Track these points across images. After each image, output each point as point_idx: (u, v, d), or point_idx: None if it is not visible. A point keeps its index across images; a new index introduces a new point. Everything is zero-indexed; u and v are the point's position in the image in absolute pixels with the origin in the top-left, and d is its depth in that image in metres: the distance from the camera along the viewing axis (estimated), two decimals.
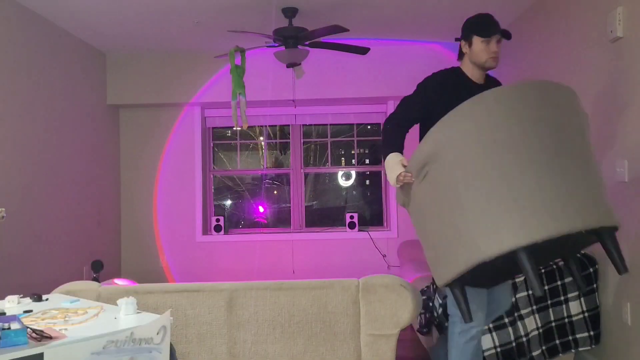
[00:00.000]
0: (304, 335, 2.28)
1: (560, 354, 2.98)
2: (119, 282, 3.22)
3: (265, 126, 6.18)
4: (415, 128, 2.61)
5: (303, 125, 6.05)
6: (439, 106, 2.34)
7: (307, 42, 4.32)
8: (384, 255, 5.68)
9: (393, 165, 2.36)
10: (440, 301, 2.99)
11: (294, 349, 2.27)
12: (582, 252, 3.24)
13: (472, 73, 2.68)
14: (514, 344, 2.83)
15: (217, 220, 5.79)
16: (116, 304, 2.13)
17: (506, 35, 2.71)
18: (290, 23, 4.30)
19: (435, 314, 3.03)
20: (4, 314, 1.66)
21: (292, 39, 4.24)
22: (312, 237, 5.74)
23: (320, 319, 2.28)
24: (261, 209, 6.18)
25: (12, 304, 1.84)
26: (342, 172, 6.14)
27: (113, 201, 5.60)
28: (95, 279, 3.22)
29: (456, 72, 2.70)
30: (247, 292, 2.30)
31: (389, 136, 2.55)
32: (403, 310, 2.27)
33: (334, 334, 2.28)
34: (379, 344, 2.28)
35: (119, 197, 5.74)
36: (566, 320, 3.00)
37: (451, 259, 1.97)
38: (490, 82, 2.80)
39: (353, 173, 6.15)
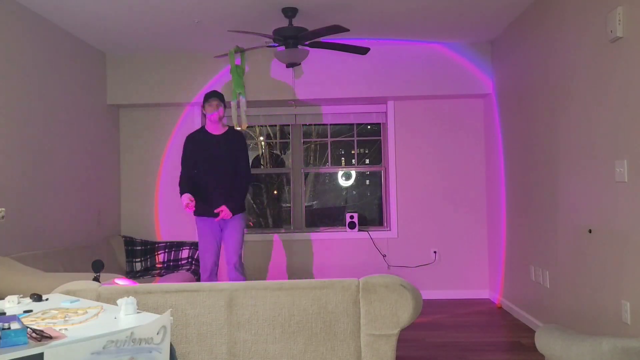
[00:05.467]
0: (304, 335, 2.28)
1: None
2: (119, 281, 3.21)
3: (265, 126, 6.18)
4: None
5: (303, 125, 6.05)
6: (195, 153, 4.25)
7: (307, 42, 4.32)
8: (384, 255, 5.68)
9: (187, 201, 4.05)
10: None
11: (294, 348, 2.27)
12: None
13: (211, 128, 4.26)
14: None
15: None
16: (116, 304, 2.12)
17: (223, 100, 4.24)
18: (290, 23, 4.30)
19: None
20: (4, 314, 1.66)
21: (292, 39, 4.24)
22: (312, 237, 5.74)
23: (321, 318, 2.28)
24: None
25: (12, 304, 1.84)
26: (342, 172, 6.14)
27: (113, 201, 5.60)
28: (96, 279, 3.21)
29: (202, 130, 4.31)
30: (247, 292, 2.30)
31: (181, 184, 4.29)
32: (403, 310, 2.27)
33: (334, 333, 2.28)
34: (379, 344, 2.28)
35: (119, 197, 5.75)
36: None
37: None
38: (229, 133, 4.27)
39: (353, 173, 6.15)
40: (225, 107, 4.24)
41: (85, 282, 2.40)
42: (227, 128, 4.27)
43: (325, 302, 2.29)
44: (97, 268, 3.23)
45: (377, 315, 2.28)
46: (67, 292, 2.26)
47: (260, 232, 5.93)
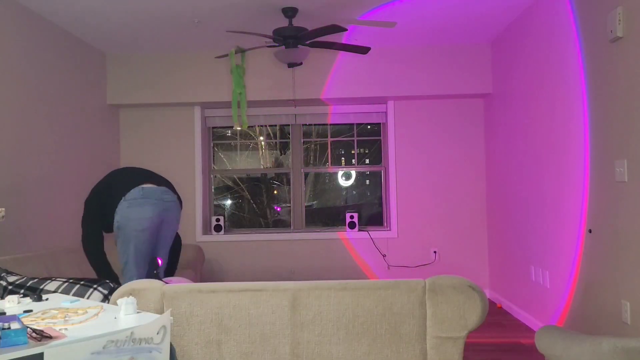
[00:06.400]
0: (368, 336, 2.24)
1: None
2: (172, 280, 3.18)
3: (265, 126, 6.18)
4: None
5: (303, 125, 6.05)
6: None
7: (307, 42, 4.32)
8: (384, 255, 5.68)
9: None
10: None
11: (358, 350, 2.24)
12: None
13: None
14: None
15: (217, 220, 5.79)
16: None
17: None
18: (291, 23, 4.30)
19: None
20: (4, 313, 1.66)
21: (292, 39, 4.24)
22: (312, 237, 5.74)
23: (386, 320, 2.24)
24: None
25: (12, 304, 1.83)
26: (342, 172, 6.14)
27: None
28: (156, 276, 3.16)
29: None
30: (310, 292, 2.26)
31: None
32: (471, 312, 2.23)
33: (399, 335, 2.24)
34: (446, 347, 2.24)
35: None
36: None
37: None
38: None
39: (353, 173, 6.15)
40: None
41: (149, 281, 2.38)
42: None
43: (391, 303, 2.25)
44: (155, 266, 3.22)
45: (444, 317, 2.24)
46: (132, 291, 2.25)
47: (261, 232, 5.93)
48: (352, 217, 5.75)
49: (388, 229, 5.81)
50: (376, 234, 5.72)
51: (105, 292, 2.77)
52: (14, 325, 1.40)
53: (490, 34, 5.13)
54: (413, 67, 5.45)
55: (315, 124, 6.12)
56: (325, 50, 4.82)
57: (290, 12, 4.25)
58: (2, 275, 2.94)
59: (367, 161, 6.18)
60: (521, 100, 4.55)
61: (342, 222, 5.95)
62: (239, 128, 5.55)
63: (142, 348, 1.41)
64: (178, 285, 2.35)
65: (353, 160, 6.16)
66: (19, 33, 4.03)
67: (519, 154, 4.62)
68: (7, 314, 1.66)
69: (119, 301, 1.71)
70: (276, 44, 4.36)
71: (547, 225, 4.01)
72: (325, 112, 5.88)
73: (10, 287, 2.84)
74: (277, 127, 6.20)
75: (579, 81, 3.46)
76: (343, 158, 6.24)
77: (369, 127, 6.11)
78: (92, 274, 4.13)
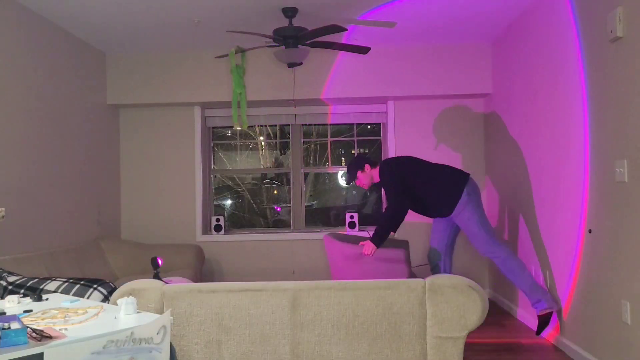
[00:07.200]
0: (368, 336, 2.24)
1: None
2: (172, 280, 3.19)
3: (265, 126, 6.18)
4: None
5: (303, 125, 6.05)
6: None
7: (307, 42, 4.32)
8: None
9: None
10: None
11: (358, 350, 2.24)
12: None
13: None
14: None
15: (217, 220, 5.79)
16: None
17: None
18: (291, 23, 4.30)
19: None
20: (4, 313, 1.66)
21: (292, 39, 4.24)
22: (312, 237, 5.74)
23: (386, 319, 2.25)
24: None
25: (12, 304, 1.84)
26: (342, 172, 6.14)
27: (113, 201, 5.60)
28: (157, 275, 3.17)
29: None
30: (310, 292, 2.27)
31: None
32: (471, 312, 2.22)
33: (399, 335, 2.25)
34: (446, 347, 2.24)
35: (119, 197, 5.75)
36: None
37: None
38: None
39: None
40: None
41: (149, 281, 2.38)
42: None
43: (391, 303, 2.25)
44: (155, 265, 3.23)
45: (444, 317, 2.24)
46: (132, 291, 2.25)
47: (261, 232, 5.93)
48: (352, 217, 5.75)
49: None
50: None
51: (105, 292, 2.78)
52: (14, 325, 1.41)
53: (490, 34, 5.13)
54: (413, 67, 5.45)
55: (315, 124, 6.12)
56: (325, 50, 4.83)
57: (290, 12, 4.25)
58: (2, 275, 2.93)
59: None
60: (521, 100, 4.55)
61: (342, 222, 5.95)
62: (239, 128, 5.55)
63: (142, 348, 1.41)
64: (178, 285, 2.35)
65: None
66: (19, 33, 4.02)
67: (518, 153, 4.62)
68: (7, 314, 1.66)
69: (119, 301, 1.71)
70: (276, 44, 4.36)
71: (547, 225, 4.01)
72: (325, 112, 5.88)
73: (10, 287, 2.84)
74: (277, 127, 6.20)
75: (579, 81, 3.46)
76: (343, 158, 6.24)
77: (369, 127, 6.11)
78: (92, 274, 4.14)
